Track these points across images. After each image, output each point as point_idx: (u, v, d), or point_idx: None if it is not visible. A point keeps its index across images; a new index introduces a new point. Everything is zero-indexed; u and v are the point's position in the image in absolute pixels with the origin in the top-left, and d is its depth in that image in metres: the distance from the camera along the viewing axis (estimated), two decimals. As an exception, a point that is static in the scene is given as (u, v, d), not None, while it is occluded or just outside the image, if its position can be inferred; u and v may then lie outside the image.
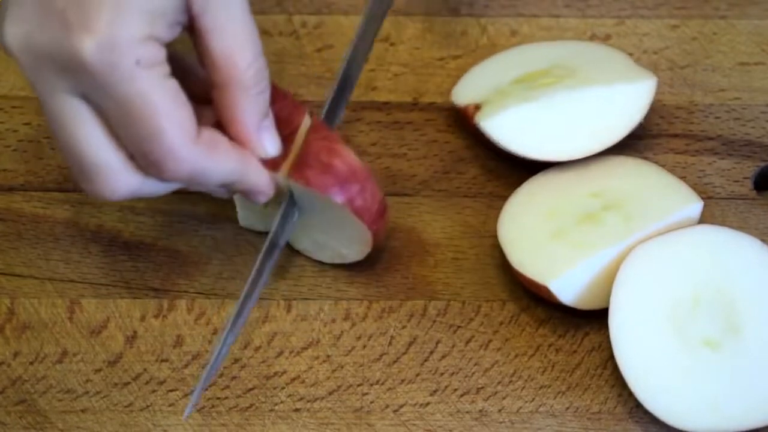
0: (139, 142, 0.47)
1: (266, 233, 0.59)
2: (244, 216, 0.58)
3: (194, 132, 0.48)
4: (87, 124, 0.47)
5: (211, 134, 0.49)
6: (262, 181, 0.52)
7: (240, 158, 0.51)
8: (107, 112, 0.47)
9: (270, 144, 0.52)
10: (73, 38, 0.44)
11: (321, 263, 0.58)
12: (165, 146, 0.47)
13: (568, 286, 0.54)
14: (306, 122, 0.54)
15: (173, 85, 0.47)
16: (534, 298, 0.57)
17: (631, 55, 0.64)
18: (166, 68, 0.47)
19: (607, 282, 0.54)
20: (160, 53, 0.47)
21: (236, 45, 0.49)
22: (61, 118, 0.47)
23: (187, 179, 0.49)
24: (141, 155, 0.48)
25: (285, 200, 0.55)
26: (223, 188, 0.52)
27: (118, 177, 0.48)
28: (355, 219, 0.54)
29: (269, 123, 0.52)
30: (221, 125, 0.51)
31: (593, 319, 0.56)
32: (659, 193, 0.57)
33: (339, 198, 0.53)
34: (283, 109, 0.54)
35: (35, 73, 0.46)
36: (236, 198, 0.57)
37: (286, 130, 0.53)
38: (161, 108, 0.46)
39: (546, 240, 0.56)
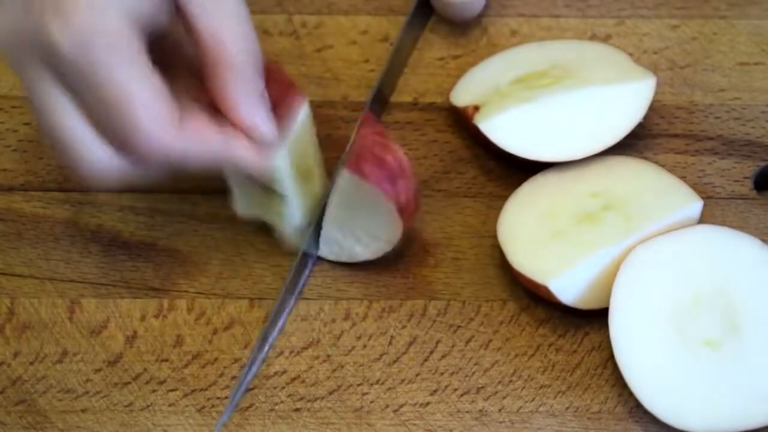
0: (115, 129, 0.47)
1: (266, 230, 0.59)
2: (243, 205, 0.58)
3: (171, 117, 0.48)
4: (68, 114, 0.47)
5: (191, 118, 0.49)
6: (249, 160, 0.51)
7: (223, 140, 0.50)
8: (84, 99, 0.47)
9: (262, 123, 0.51)
10: (50, 26, 0.45)
11: (321, 263, 0.58)
12: (141, 133, 0.47)
13: (568, 286, 0.54)
14: (303, 105, 0.54)
15: (149, 72, 0.47)
16: (534, 298, 0.57)
17: (631, 55, 0.64)
18: (143, 56, 0.47)
19: (607, 282, 0.54)
20: (138, 41, 0.46)
21: (223, 24, 0.48)
22: (45, 108, 0.47)
23: (169, 164, 0.49)
24: (119, 143, 0.48)
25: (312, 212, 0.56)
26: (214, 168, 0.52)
27: (105, 164, 0.48)
28: (395, 215, 0.53)
29: (262, 102, 0.51)
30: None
31: (593, 319, 0.56)
32: (659, 193, 0.57)
33: (390, 193, 0.53)
34: (278, 89, 0.53)
35: (19, 64, 0.47)
36: (234, 186, 0.57)
37: (281, 111, 0.53)
38: (137, 96, 0.46)
39: (546, 240, 0.56)
